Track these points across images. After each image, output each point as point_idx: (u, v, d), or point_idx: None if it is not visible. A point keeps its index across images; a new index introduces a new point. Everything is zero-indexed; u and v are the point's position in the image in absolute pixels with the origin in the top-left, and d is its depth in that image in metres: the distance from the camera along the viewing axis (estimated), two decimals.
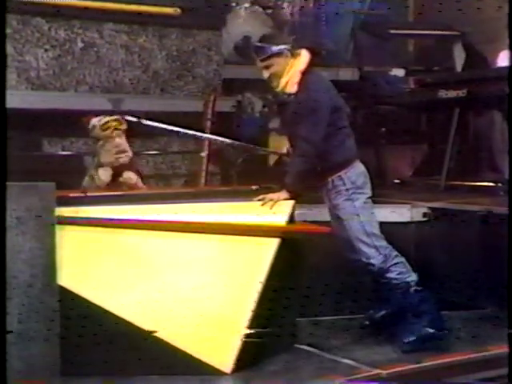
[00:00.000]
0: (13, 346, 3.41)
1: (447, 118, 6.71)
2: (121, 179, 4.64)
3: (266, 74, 4.13)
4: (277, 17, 7.84)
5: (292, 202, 4.04)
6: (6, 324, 3.37)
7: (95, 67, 5.98)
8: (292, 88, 4.08)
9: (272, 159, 6.93)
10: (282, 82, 4.09)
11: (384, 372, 3.88)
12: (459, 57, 7.38)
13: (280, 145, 6.96)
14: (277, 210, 3.98)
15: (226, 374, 3.69)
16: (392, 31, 7.68)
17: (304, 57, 4.13)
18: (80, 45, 5.92)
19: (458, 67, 7.34)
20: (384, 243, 4.18)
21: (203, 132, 5.89)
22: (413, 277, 4.19)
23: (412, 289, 4.18)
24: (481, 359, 4.14)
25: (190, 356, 3.66)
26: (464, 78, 6.77)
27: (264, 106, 7.22)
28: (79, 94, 5.91)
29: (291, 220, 4.06)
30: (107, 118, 4.66)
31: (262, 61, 4.11)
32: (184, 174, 6.39)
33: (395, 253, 4.20)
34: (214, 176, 6.31)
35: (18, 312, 3.45)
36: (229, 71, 6.69)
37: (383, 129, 7.42)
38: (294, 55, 4.11)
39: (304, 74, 4.09)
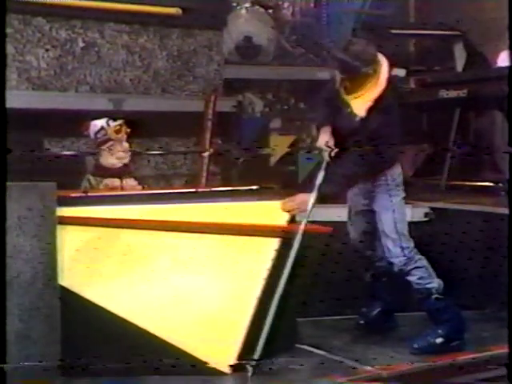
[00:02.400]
0: (13, 346, 3.41)
1: (448, 118, 6.71)
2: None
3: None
4: (278, 17, 7.85)
5: None
6: (7, 323, 3.38)
7: (96, 67, 5.98)
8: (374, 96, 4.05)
9: (273, 159, 6.94)
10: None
11: (384, 372, 3.88)
12: (460, 57, 7.38)
13: (281, 145, 6.98)
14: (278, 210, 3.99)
15: (226, 374, 3.70)
16: (393, 31, 7.68)
17: (386, 66, 4.13)
18: (81, 45, 5.92)
19: (459, 67, 7.34)
20: (411, 245, 4.17)
21: (204, 132, 5.89)
22: (435, 283, 4.15)
23: (433, 296, 4.13)
24: (482, 359, 4.14)
25: (191, 355, 3.66)
26: (465, 78, 6.77)
27: (265, 106, 7.23)
28: (80, 94, 5.91)
29: (292, 220, 4.06)
30: (119, 121, 4.68)
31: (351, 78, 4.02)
32: (185, 173, 6.38)
33: (419, 256, 4.18)
34: (215, 176, 6.31)
35: (19, 312, 3.45)
36: (230, 71, 6.69)
37: None
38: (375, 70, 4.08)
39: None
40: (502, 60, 6.49)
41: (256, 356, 3.75)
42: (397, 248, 4.14)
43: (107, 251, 3.76)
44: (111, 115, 4.79)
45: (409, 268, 4.14)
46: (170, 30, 6.28)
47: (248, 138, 6.87)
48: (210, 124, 6.04)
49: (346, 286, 4.69)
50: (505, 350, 3.65)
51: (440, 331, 4.13)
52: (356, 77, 4.01)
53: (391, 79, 4.17)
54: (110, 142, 4.63)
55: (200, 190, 4.70)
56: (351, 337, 4.46)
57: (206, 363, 3.67)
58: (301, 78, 7.28)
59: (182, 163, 6.42)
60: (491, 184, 6.19)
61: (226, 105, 6.34)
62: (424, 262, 4.18)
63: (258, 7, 7.51)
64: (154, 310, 3.68)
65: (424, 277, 4.15)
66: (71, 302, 3.58)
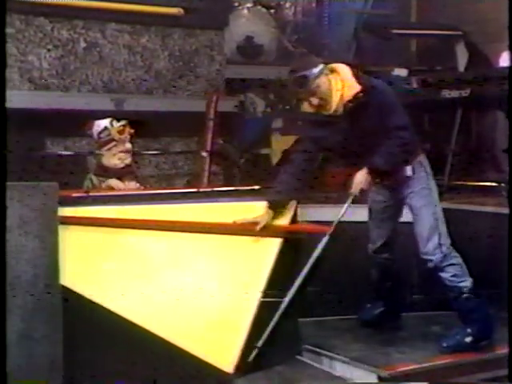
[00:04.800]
0: (15, 346, 3.41)
1: (450, 118, 6.71)
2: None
3: (314, 102, 4.02)
4: (279, 17, 7.85)
5: (294, 202, 4.05)
6: (9, 324, 3.38)
7: (98, 67, 5.98)
8: (349, 95, 4.02)
9: (275, 159, 6.94)
10: (334, 99, 4.01)
11: (386, 372, 3.88)
12: (462, 57, 7.38)
13: (282, 145, 6.98)
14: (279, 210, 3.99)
15: (228, 373, 3.69)
16: (395, 31, 7.68)
17: (343, 68, 4.11)
18: (83, 45, 5.92)
19: (461, 67, 7.34)
20: (448, 242, 4.15)
21: (205, 132, 5.90)
22: (467, 282, 4.13)
23: (464, 295, 4.12)
24: (483, 359, 4.15)
25: (193, 356, 3.66)
26: (467, 77, 6.77)
27: (267, 106, 7.23)
28: (82, 94, 5.91)
29: (294, 220, 4.06)
30: (122, 122, 4.68)
31: (306, 89, 4.00)
32: (186, 173, 6.39)
33: (455, 254, 4.16)
34: (216, 176, 6.32)
35: (21, 312, 3.45)
36: (231, 71, 6.69)
37: None
38: (331, 71, 4.07)
39: (356, 78, 4.07)
40: (504, 60, 6.49)
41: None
42: (435, 244, 4.12)
43: (109, 251, 3.76)
44: (113, 115, 4.80)
45: (444, 265, 4.12)
46: (171, 30, 6.28)
47: (250, 137, 6.87)
48: (211, 124, 6.04)
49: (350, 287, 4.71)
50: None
51: (469, 330, 4.11)
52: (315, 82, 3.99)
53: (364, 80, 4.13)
54: (113, 143, 4.63)
55: (201, 189, 4.69)
56: (353, 336, 4.46)
57: (208, 363, 3.67)
58: None
59: (184, 163, 6.42)
60: (493, 184, 6.19)
61: (227, 105, 6.34)
62: (459, 259, 4.16)
63: (259, 7, 7.51)
64: (156, 309, 3.68)
65: (457, 275, 4.13)
66: (73, 302, 3.58)
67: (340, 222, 4.06)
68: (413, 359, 4.05)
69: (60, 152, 5.79)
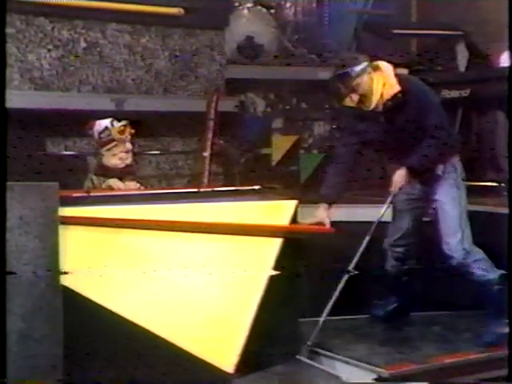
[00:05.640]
0: (16, 346, 3.41)
1: (450, 118, 6.70)
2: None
3: (355, 98, 4.13)
4: (280, 17, 7.84)
5: (295, 201, 4.05)
6: (9, 324, 3.38)
7: (98, 67, 5.98)
8: (389, 95, 4.14)
9: (275, 159, 6.94)
10: (374, 97, 4.13)
11: (386, 372, 3.88)
12: (462, 57, 7.38)
13: (282, 145, 6.99)
14: (280, 210, 3.99)
15: (229, 373, 3.69)
16: (395, 31, 7.68)
17: (387, 66, 4.19)
18: (83, 45, 5.92)
19: (462, 67, 7.34)
20: (470, 240, 4.20)
21: (205, 132, 5.89)
22: (495, 274, 4.17)
23: (495, 287, 4.16)
24: (483, 359, 4.15)
25: (193, 356, 3.66)
26: (467, 78, 6.77)
27: (267, 106, 7.23)
28: (82, 94, 5.91)
29: (294, 220, 4.06)
30: (123, 122, 4.68)
31: (348, 86, 4.11)
32: (187, 173, 6.39)
33: (477, 249, 4.21)
34: (216, 176, 6.32)
35: (21, 312, 3.45)
36: (232, 71, 6.69)
37: None
38: (374, 69, 4.16)
39: (397, 77, 4.18)
40: (505, 60, 6.49)
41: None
42: (457, 241, 4.17)
43: (110, 251, 3.76)
44: (113, 115, 4.79)
45: (468, 262, 4.17)
46: (171, 30, 6.28)
47: (250, 137, 6.87)
48: (211, 124, 6.04)
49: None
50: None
51: (505, 320, 4.07)
52: (356, 79, 4.10)
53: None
54: (114, 143, 4.63)
55: (202, 189, 4.69)
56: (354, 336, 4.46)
57: (208, 363, 3.67)
58: (303, 78, 7.29)
59: (184, 163, 6.42)
60: (493, 184, 6.19)
61: (228, 105, 6.34)
62: (482, 254, 4.22)
63: (259, 7, 7.50)
64: (156, 309, 3.68)
65: (484, 269, 4.18)
66: (74, 302, 3.58)
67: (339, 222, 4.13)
68: (413, 359, 4.05)
69: (60, 152, 5.79)
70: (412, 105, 4.16)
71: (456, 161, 4.35)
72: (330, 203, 4.22)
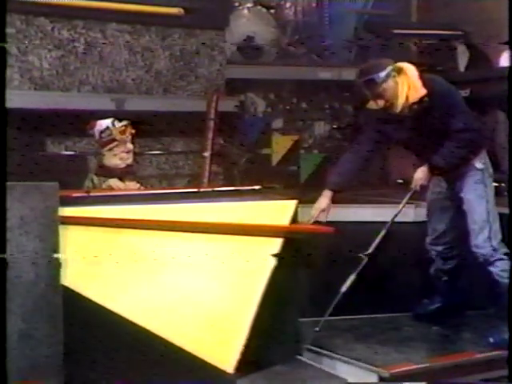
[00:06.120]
0: (16, 346, 3.41)
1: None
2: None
3: (380, 103, 4.13)
4: (280, 17, 7.84)
5: (295, 201, 4.05)
6: (9, 324, 3.38)
7: (98, 67, 5.98)
8: (414, 98, 4.13)
9: (275, 159, 6.94)
10: (400, 102, 4.12)
11: (386, 372, 3.88)
12: (463, 57, 7.37)
13: (282, 145, 6.98)
14: (280, 210, 3.99)
15: (229, 373, 3.69)
16: (395, 31, 7.67)
17: (411, 69, 4.18)
18: (83, 45, 5.92)
19: (462, 67, 7.33)
20: (499, 237, 4.21)
21: (206, 132, 5.89)
22: None
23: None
24: (483, 359, 4.15)
25: (193, 356, 3.66)
26: (467, 78, 6.76)
27: (267, 106, 7.23)
28: (82, 94, 5.91)
29: (294, 220, 4.06)
30: (124, 122, 4.68)
31: (374, 92, 4.11)
32: (187, 174, 6.38)
33: (505, 249, 4.21)
34: (216, 176, 6.31)
35: (21, 312, 3.45)
36: (232, 71, 6.69)
37: None
38: (399, 72, 4.15)
39: (422, 80, 4.16)
40: (505, 60, 6.48)
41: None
42: (485, 238, 4.18)
43: (110, 251, 3.76)
44: (113, 115, 4.79)
45: (493, 259, 4.18)
46: (172, 30, 6.28)
47: (250, 137, 6.87)
48: (212, 124, 6.03)
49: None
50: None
51: None
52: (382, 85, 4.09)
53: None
54: (115, 143, 4.63)
55: (202, 189, 4.69)
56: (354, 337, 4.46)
57: (208, 363, 3.67)
58: (303, 77, 7.29)
59: (184, 163, 6.42)
60: (494, 184, 6.18)
61: (228, 105, 6.34)
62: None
63: (259, 7, 7.49)
64: (156, 309, 3.68)
65: (506, 269, 4.15)
66: (73, 302, 3.58)
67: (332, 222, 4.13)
68: (413, 359, 4.05)
69: (60, 152, 5.79)
70: (437, 108, 4.17)
71: (483, 157, 4.35)
72: (335, 191, 4.19)
